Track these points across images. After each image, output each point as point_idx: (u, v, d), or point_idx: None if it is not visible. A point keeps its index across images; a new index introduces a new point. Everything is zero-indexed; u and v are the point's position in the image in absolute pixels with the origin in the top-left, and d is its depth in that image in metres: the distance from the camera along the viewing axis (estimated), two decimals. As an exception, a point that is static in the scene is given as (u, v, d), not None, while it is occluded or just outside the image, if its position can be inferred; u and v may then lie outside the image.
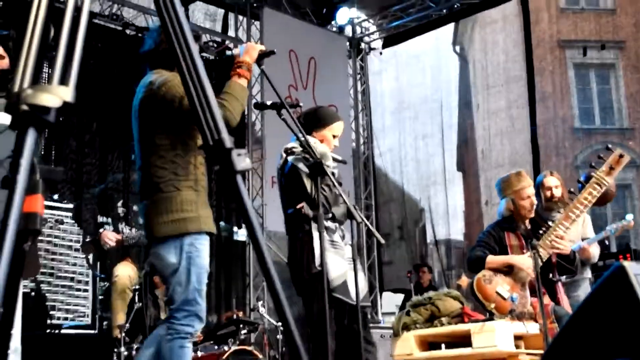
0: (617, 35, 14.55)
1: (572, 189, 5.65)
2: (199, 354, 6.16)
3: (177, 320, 3.77)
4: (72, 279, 8.14)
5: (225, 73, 3.98)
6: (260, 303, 8.72)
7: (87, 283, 8.23)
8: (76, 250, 8.21)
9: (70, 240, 8.23)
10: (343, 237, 4.83)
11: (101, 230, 6.43)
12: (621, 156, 5.44)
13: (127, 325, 6.45)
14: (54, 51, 1.25)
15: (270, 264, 1.40)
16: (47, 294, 7.77)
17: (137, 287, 6.53)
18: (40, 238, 7.86)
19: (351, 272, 4.73)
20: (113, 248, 6.19)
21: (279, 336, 7.91)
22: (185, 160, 3.84)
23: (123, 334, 6.36)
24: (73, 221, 8.38)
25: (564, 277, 5.64)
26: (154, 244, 3.85)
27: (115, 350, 6.33)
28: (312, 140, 4.89)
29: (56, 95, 1.16)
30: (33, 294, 7.63)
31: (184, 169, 3.83)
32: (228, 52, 10.85)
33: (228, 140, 1.37)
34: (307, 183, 4.82)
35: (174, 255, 3.77)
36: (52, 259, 8.05)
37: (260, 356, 7.03)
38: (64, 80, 1.21)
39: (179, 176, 3.83)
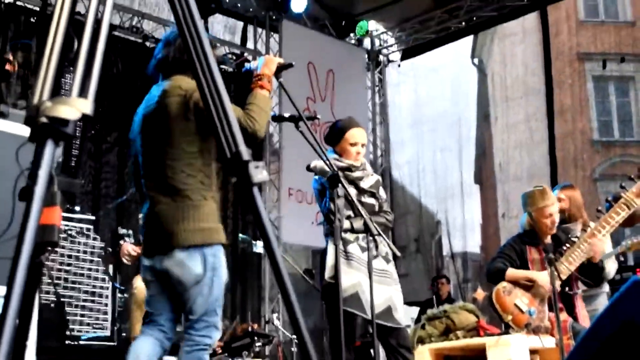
0: (637, 47, 14.49)
1: (599, 207, 5.61)
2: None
3: (195, 332, 3.74)
4: (92, 292, 8.16)
5: (244, 85, 3.99)
6: (275, 315, 8.72)
7: (107, 295, 8.25)
8: (97, 262, 8.24)
9: (91, 253, 8.26)
10: (366, 249, 4.81)
11: (121, 242, 6.43)
12: None
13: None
14: (74, 63, 1.26)
15: (286, 276, 1.40)
16: (66, 306, 7.79)
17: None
18: (61, 250, 7.91)
19: (377, 285, 4.68)
20: (133, 260, 6.19)
21: (294, 349, 7.91)
22: (210, 169, 3.84)
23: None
24: (94, 234, 8.41)
25: (580, 290, 5.61)
26: (175, 251, 3.75)
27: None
28: (332, 157, 4.93)
29: (75, 108, 1.17)
30: (53, 305, 7.66)
31: (208, 178, 3.82)
32: (247, 65, 10.79)
33: (245, 153, 1.38)
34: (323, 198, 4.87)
35: (199, 265, 3.71)
36: (73, 272, 8.07)
37: (276, 368, 7.03)
38: (83, 93, 1.22)
39: (204, 185, 3.79)
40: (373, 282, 4.56)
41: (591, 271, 5.55)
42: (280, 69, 3.97)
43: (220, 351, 6.33)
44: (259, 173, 1.38)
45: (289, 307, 1.39)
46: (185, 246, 3.72)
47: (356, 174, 5.16)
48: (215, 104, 1.41)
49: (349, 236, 4.91)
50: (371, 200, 5.14)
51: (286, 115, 4.29)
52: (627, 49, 14.35)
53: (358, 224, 4.79)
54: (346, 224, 4.84)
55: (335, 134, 5.27)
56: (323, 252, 5.03)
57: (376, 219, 4.83)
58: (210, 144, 3.81)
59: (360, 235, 4.90)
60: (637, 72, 14.54)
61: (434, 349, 5.79)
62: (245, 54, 11.22)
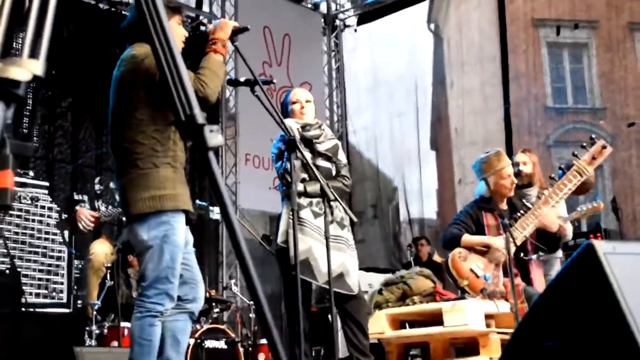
0: (590, 14, 14.60)
1: (552, 175, 5.69)
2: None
3: (147, 298, 3.75)
4: (47, 257, 8.07)
5: (199, 49, 3.94)
6: (232, 281, 8.72)
7: (62, 260, 8.17)
8: (52, 228, 8.14)
9: (47, 218, 8.16)
10: (319, 215, 4.81)
11: (77, 207, 6.37)
12: (604, 147, 5.50)
13: (99, 303, 6.41)
14: (25, 24, 1.23)
15: (243, 242, 1.39)
16: (22, 272, 7.70)
17: (109, 265, 6.49)
18: (16, 216, 7.80)
19: (332, 252, 4.67)
20: (89, 225, 6.13)
21: (252, 315, 7.92)
22: (164, 136, 3.81)
23: (94, 312, 6.33)
24: (50, 198, 8.30)
25: (535, 255, 5.70)
26: (131, 221, 3.84)
27: (87, 328, 6.30)
28: (288, 122, 4.93)
29: (26, 69, 1.14)
30: (8, 272, 7.56)
31: (162, 145, 3.81)
32: (202, 28, 10.76)
33: (200, 116, 1.36)
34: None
35: (149, 232, 3.75)
36: (28, 238, 7.97)
37: (233, 335, 7.04)
38: (34, 54, 1.19)
39: (157, 152, 3.80)
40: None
41: (548, 239, 5.63)
42: (236, 32, 3.93)
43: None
44: (214, 137, 1.36)
45: (246, 273, 1.38)
46: (136, 215, 3.77)
47: (312, 132, 5.15)
48: (170, 66, 1.39)
49: (302, 201, 4.90)
50: (326, 164, 5.13)
51: (242, 79, 4.26)
52: (581, 16, 14.45)
53: (313, 187, 4.79)
54: (300, 187, 4.83)
55: (282, 105, 5.41)
56: (279, 217, 5.03)
57: (332, 184, 4.82)
58: (163, 110, 3.79)
59: (314, 200, 4.90)
60: (590, 39, 14.66)
61: (391, 314, 5.84)
62: (201, 17, 11.09)
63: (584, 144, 5.55)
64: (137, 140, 3.80)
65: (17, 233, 7.79)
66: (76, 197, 8.52)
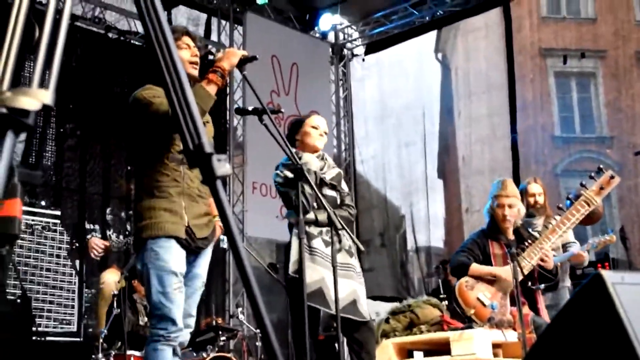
0: (597, 44, 14.66)
1: (560, 205, 5.69)
2: None
3: (152, 325, 3.84)
4: (59, 287, 8.06)
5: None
6: (239, 310, 8.68)
7: (73, 290, 8.16)
8: (63, 257, 8.14)
9: (57, 248, 8.16)
10: (329, 244, 4.79)
11: (88, 236, 6.40)
12: (612, 177, 5.49)
13: (105, 331, 6.40)
14: (35, 54, 1.24)
15: (249, 270, 1.39)
16: (33, 301, 7.69)
17: (116, 292, 6.48)
18: (27, 245, 7.81)
19: (341, 279, 4.67)
20: (100, 255, 6.17)
21: (258, 343, 7.88)
22: (154, 169, 3.89)
23: (101, 341, 6.32)
24: (62, 228, 8.31)
25: (543, 285, 5.67)
26: None
27: (94, 356, 6.28)
28: (308, 157, 4.95)
29: (35, 98, 1.15)
30: (19, 301, 7.56)
31: (148, 177, 3.91)
32: (210, 57, 10.82)
33: (208, 145, 1.37)
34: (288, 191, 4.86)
35: (139, 261, 3.88)
36: (39, 267, 7.97)
37: (239, 362, 7.00)
38: (43, 83, 1.20)
39: (143, 185, 3.93)
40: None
41: (544, 275, 5.63)
42: (244, 61, 3.94)
43: (184, 345, 6.30)
44: (221, 166, 1.36)
45: (253, 302, 1.38)
46: (134, 245, 4.00)
47: (324, 170, 5.17)
48: (178, 96, 1.40)
49: (313, 230, 4.90)
50: (332, 193, 5.13)
51: (250, 108, 4.28)
52: (588, 45, 14.51)
53: (322, 216, 4.79)
54: (311, 216, 4.84)
55: (295, 125, 5.33)
56: (287, 246, 5.00)
57: (339, 212, 4.83)
58: (150, 142, 3.90)
59: (324, 229, 4.89)
60: (597, 68, 14.71)
61: (398, 343, 5.82)
62: (209, 47, 11.16)
63: (592, 174, 5.55)
64: (135, 176, 4.08)
65: (27, 264, 7.80)
66: (87, 226, 8.54)
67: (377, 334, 5.85)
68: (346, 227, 4.56)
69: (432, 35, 13.36)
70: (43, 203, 8.32)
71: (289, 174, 4.78)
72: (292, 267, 4.82)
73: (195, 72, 4.01)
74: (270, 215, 10.50)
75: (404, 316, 5.96)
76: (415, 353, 5.90)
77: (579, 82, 14.74)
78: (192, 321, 4.07)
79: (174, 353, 3.95)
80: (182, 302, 3.83)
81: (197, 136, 1.37)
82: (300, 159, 4.94)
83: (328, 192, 5.09)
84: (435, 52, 14.20)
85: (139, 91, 3.91)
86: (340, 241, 4.94)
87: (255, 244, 10.31)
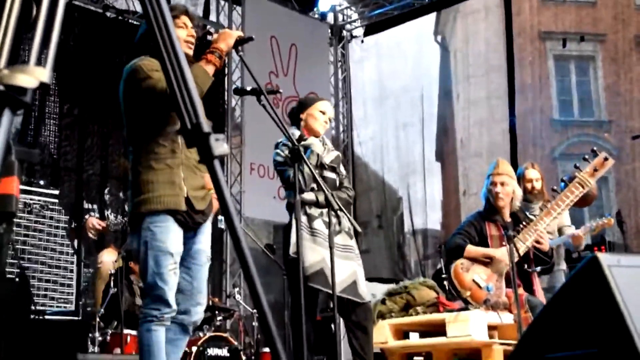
0: (597, 27, 14.61)
1: (555, 187, 5.70)
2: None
3: (145, 305, 3.83)
4: (57, 266, 8.08)
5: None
6: (236, 290, 8.72)
7: (72, 270, 8.17)
8: (61, 236, 8.15)
9: (56, 227, 8.17)
10: (330, 225, 4.81)
11: (87, 216, 6.43)
12: (606, 159, 5.51)
13: (102, 310, 6.42)
14: (32, 31, 1.23)
15: (247, 250, 1.39)
16: (31, 280, 7.71)
17: (113, 271, 6.50)
18: (25, 224, 7.82)
19: (339, 260, 4.71)
20: (98, 233, 6.19)
21: (255, 323, 7.92)
22: (151, 141, 3.85)
23: (98, 320, 6.34)
24: (60, 207, 8.31)
25: (539, 267, 5.69)
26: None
27: (90, 335, 6.31)
28: (312, 140, 4.98)
29: (32, 76, 1.15)
30: (18, 279, 7.57)
31: (145, 150, 3.85)
32: (209, 37, 10.78)
33: (206, 125, 1.37)
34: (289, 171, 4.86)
35: (135, 239, 3.84)
36: (37, 246, 7.98)
37: (236, 343, 7.03)
38: (40, 61, 1.20)
39: (140, 159, 3.85)
40: (338, 258, 4.60)
41: (539, 257, 5.65)
42: (240, 42, 3.92)
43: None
44: (219, 146, 1.37)
45: (250, 282, 1.38)
46: (130, 223, 3.91)
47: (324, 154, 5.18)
48: (176, 75, 1.40)
49: (314, 211, 4.92)
50: (332, 175, 5.15)
51: (248, 88, 4.27)
52: (588, 29, 14.46)
53: (322, 197, 4.80)
54: (312, 197, 4.85)
55: (303, 104, 5.32)
56: (286, 227, 5.01)
57: (338, 194, 4.85)
58: (149, 117, 3.87)
59: (324, 211, 4.91)
60: (597, 52, 14.67)
61: (394, 324, 5.83)
62: (208, 27, 11.12)
63: (586, 156, 5.56)
64: (130, 150, 3.94)
65: (25, 243, 7.81)
66: (86, 205, 8.55)
67: (373, 315, 5.88)
68: (344, 209, 4.57)
69: (431, 17, 13.31)
70: (42, 182, 8.32)
71: (289, 155, 4.79)
72: (292, 249, 4.83)
73: (190, 52, 4.01)
74: (268, 196, 10.52)
75: (400, 297, 5.98)
76: (411, 334, 5.92)
77: (578, 65, 14.71)
78: (203, 298, 4.05)
79: (187, 332, 3.97)
80: (175, 283, 3.82)
81: (194, 115, 1.37)
82: (305, 140, 4.96)
83: (328, 174, 5.11)
84: (435, 34, 14.15)
85: (137, 61, 3.87)
86: (340, 223, 4.96)
87: (253, 224, 10.33)
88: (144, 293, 3.85)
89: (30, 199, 7.77)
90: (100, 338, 6.29)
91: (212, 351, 6.68)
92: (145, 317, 3.77)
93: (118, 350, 6.16)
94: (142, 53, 3.98)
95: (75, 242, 7.41)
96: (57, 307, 7.71)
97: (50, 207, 8.06)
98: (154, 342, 3.74)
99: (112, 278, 6.51)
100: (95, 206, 9.10)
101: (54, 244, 8.03)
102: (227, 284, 10.58)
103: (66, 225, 8.19)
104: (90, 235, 6.17)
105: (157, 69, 3.68)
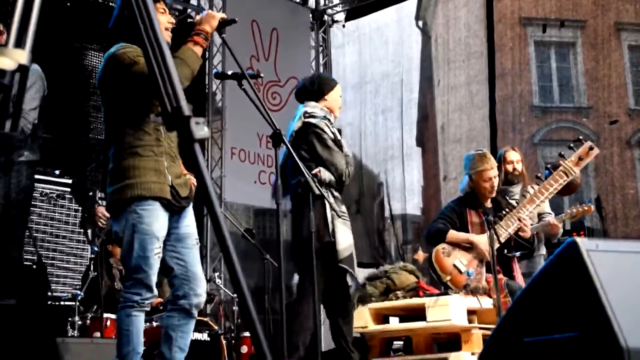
0: (577, 13, 14.67)
1: (539, 174, 5.73)
2: (154, 324, 6.14)
3: (125, 289, 3.81)
4: (72, 254, 8.12)
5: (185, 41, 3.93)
6: (216, 274, 8.71)
7: (87, 257, 8.19)
8: (76, 224, 8.19)
9: (72, 216, 8.21)
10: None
11: (96, 205, 6.45)
12: (591, 149, 5.54)
13: (82, 294, 6.40)
14: (11, 14, 1.22)
15: (227, 235, 1.39)
16: (49, 267, 7.72)
17: (92, 255, 6.49)
18: (44, 213, 7.86)
19: (345, 229, 5.00)
20: (105, 223, 6.22)
21: (235, 307, 7.92)
22: (136, 128, 3.83)
23: (77, 303, 6.32)
24: (70, 196, 8.31)
25: (519, 252, 5.73)
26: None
27: (70, 319, 6.29)
28: (315, 106, 5.02)
29: (12, 58, 1.14)
30: (35, 266, 7.58)
31: (130, 136, 3.83)
32: (189, 20, 10.72)
33: (187, 108, 1.37)
34: (322, 150, 4.90)
35: (119, 223, 3.82)
36: (54, 234, 8.02)
37: (216, 327, 7.04)
38: (19, 43, 1.19)
39: (123, 144, 3.83)
40: (343, 226, 4.94)
41: (520, 244, 5.68)
42: (223, 24, 3.92)
43: (161, 308, 6.32)
44: (200, 129, 1.36)
45: (230, 266, 1.38)
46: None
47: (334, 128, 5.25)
48: (157, 58, 1.39)
49: (338, 194, 5.04)
50: (350, 154, 5.31)
51: (229, 72, 4.25)
52: (568, 15, 14.51)
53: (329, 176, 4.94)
54: (328, 175, 4.90)
55: (330, 83, 5.33)
56: (305, 210, 4.82)
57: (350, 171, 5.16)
58: (133, 102, 3.85)
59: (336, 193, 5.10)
60: (577, 38, 14.72)
61: (374, 308, 5.85)
62: (189, 10, 11.05)
63: (571, 145, 5.58)
64: (112, 136, 3.93)
65: (44, 232, 7.86)
66: (98, 195, 8.54)
67: (353, 300, 5.90)
68: (324, 194, 4.63)
69: (412, 2, 13.30)
70: (57, 172, 8.33)
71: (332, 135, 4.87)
72: (330, 233, 4.88)
73: (169, 39, 4.00)
74: (249, 180, 10.50)
75: (380, 282, 6.00)
76: (391, 319, 5.95)
77: (558, 51, 14.76)
78: (201, 280, 4.01)
79: (191, 315, 3.96)
80: (157, 268, 3.83)
81: (175, 99, 1.37)
82: (332, 124, 5.02)
83: (349, 151, 5.28)
84: (416, 19, 14.14)
85: (118, 49, 3.85)
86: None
87: (233, 209, 10.31)
88: (125, 277, 3.83)
89: (48, 189, 7.83)
90: (80, 322, 6.26)
91: (193, 335, 6.67)
92: (125, 301, 3.77)
93: (98, 334, 6.14)
94: (117, 38, 3.96)
95: (90, 232, 7.45)
96: (72, 294, 7.81)
97: (67, 196, 8.12)
98: (133, 327, 3.74)
99: (92, 262, 6.49)
100: (104, 194, 9.11)
101: (71, 233, 8.12)
102: (207, 268, 10.57)
103: (81, 214, 8.22)
104: (100, 224, 6.22)
105: (140, 55, 3.66)
